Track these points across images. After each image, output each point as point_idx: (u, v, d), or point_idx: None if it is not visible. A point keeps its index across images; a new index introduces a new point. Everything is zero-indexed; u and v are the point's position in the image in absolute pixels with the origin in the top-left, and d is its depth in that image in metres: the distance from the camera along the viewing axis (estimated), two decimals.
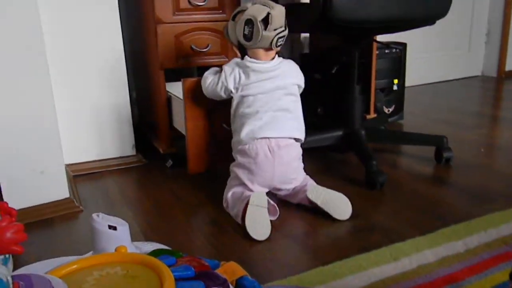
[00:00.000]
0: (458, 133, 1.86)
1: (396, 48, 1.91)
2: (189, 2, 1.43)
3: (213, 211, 1.23)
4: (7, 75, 1.13)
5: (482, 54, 3.15)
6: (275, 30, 1.14)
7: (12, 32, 1.11)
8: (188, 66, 1.56)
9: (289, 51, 2.17)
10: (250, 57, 1.19)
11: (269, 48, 1.18)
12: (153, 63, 1.51)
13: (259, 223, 1.07)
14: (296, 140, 1.21)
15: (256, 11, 1.13)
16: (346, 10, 1.22)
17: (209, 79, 1.24)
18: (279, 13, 1.14)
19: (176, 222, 1.17)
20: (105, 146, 1.60)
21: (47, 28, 1.32)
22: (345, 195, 1.29)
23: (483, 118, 2.13)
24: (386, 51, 1.92)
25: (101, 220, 0.69)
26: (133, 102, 1.79)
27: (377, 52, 1.86)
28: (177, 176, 1.48)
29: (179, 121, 1.48)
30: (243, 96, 1.19)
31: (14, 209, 0.54)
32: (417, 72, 2.79)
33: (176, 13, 1.44)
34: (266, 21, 1.13)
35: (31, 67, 1.16)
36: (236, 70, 1.20)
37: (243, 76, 1.19)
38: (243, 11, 1.16)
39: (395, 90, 1.99)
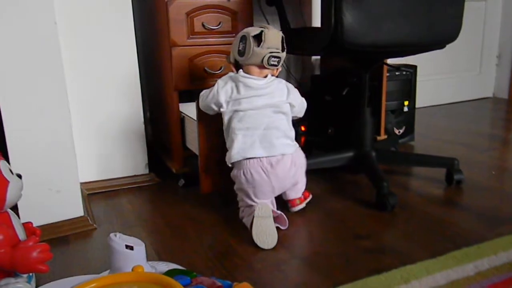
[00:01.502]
0: (469, 155, 1.86)
1: (406, 71, 1.94)
2: (203, 26, 1.48)
3: (225, 231, 1.24)
4: (24, 95, 1.17)
5: (493, 76, 3.15)
6: (268, 48, 1.20)
7: (31, 54, 1.16)
8: (201, 88, 1.60)
9: (300, 72, 2.21)
10: (245, 72, 1.24)
11: (261, 66, 1.22)
12: (168, 84, 1.55)
13: (265, 232, 1.13)
14: None
15: (251, 29, 1.22)
16: (356, 35, 1.24)
17: (204, 93, 1.29)
18: (273, 34, 1.21)
19: (188, 242, 1.19)
20: (119, 165, 1.63)
21: (63, 48, 1.37)
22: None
23: (494, 140, 2.13)
24: (397, 73, 1.95)
25: (119, 239, 0.71)
26: (147, 122, 1.83)
27: (387, 74, 1.88)
28: (189, 196, 1.50)
29: (192, 141, 1.50)
30: (234, 111, 1.23)
31: (39, 229, 0.57)
32: (428, 94, 2.80)
33: (191, 36, 1.48)
34: (259, 38, 1.20)
35: (49, 87, 1.19)
36: (229, 83, 1.24)
37: (235, 90, 1.23)
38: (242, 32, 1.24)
39: (406, 111, 2.01)
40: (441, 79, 2.93)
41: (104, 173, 1.62)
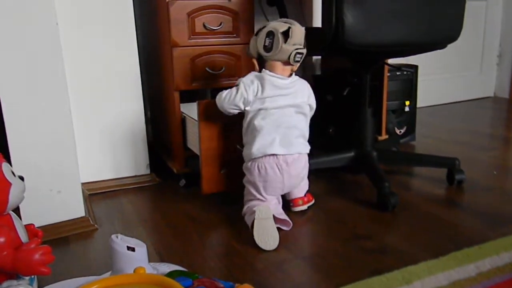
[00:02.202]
0: (471, 154, 1.86)
1: (407, 71, 1.93)
2: (204, 26, 1.47)
3: (226, 231, 1.24)
4: (25, 96, 1.17)
5: (494, 76, 3.15)
6: (294, 45, 1.20)
7: (33, 54, 1.16)
8: (202, 88, 1.60)
9: (301, 72, 2.20)
10: (268, 70, 1.24)
11: (287, 62, 1.23)
12: (169, 84, 1.55)
13: (266, 234, 1.13)
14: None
15: (278, 25, 1.21)
16: (357, 35, 1.24)
17: (225, 93, 1.27)
18: (299, 30, 1.21)
19: (190, 243, 1.19)
20: (120, 165, 1.63)
21: (64, 48, 1.36)
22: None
23: (495, 140, 2.13)
24: (398, 73, 1.95)
25: (120, 241, 0.71)
26: (147, 122, 1.83)
27: (388, 74, 1.88)
28: (191, 196, 1.50)
29: (193, 142, 1.50)
30: (258, 109, 1.22)
31: (41, 231, 0.57)
32: (428, 93, 2.80)
33: (192, 36, 1.48)
34: (286, 34, 1.20)
35: (50, 88, 1.19)
36: (255, 82, 1.23)
37: (260, 89, 1.23)
38: (265, 27, 1.23)
39: (407, 111, 2.00)
40: (442, 78, 2.93)
41: (105, 174, 1.62)
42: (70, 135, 1.25)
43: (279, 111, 1.22)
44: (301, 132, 1.26)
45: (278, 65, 1.23)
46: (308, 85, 1.31)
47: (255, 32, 1.26)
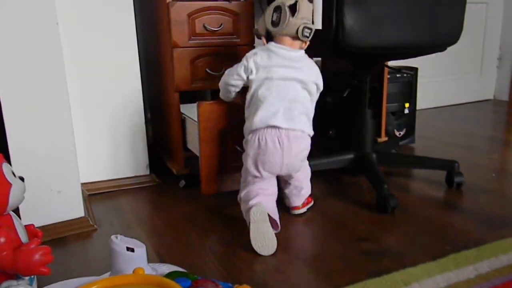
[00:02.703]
0: (470, 157, 1.86)
1: (407, 73, 1.94)
2: (205, 27, 1.48)
3: (226, 232, 1.25)
4: (25, 95, 1.17)
5: (494, 78, 3.16)
6: (302, 19, 1.19)
7: (33, 54, 1.16)
8: (202, 89, 1.60)
9: None
10: (275, 42, 1.23)
11: (295, 37, 1.21)
12: (169, 85, 1.56)
13: (263, 239, 1.11)
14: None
15: (285, 0, 1.20)
16: (358, 37, 1.25)
17: (230, 68, 1.27)
18: (306, 5, 1.20)
19: (189, 243, 1.19)
20: (120, 165, 1.63)
21: (65, 48, 1.37)
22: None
23: (494, 143, 2.13)
24: (398, 75, 1.95)
25: (120, 241, 0.71)
26: (147, 122, 1.83)
27: (388, 76, 1.89)
28: (190, 197, 1.50)
29: (193, 143, 1.51)
30: (264, 79, 1.20)
31: (40, 231, 0.57)
32: (428, 95, 2.80)
33: (192, 37, 1.48)
34: (294, 8, 1.18)
35: (50, 89, 1.20)
36: (259, 53, 1.22)
37: (265, 57, 1.21)
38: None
39: (406, 113, 2.01)
40: (442, 81, 2.93)
41: (105, 174, 1.62)
42: (70, 135, 1.25)
43: (285, 83, 1.19)
44: (305, 109, 1.23)
45: (287, 39, 1.22)
46: (317, 66, 1.28)
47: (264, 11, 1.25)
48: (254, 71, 1.21)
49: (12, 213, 0.69)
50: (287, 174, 1.25)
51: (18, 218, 0.68)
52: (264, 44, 1.26)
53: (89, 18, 1.48)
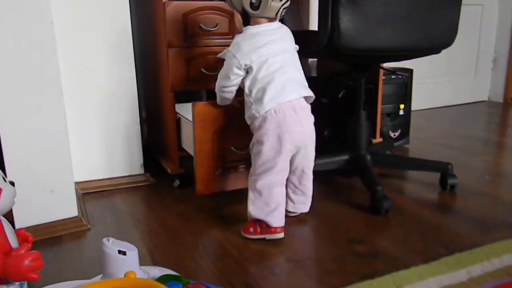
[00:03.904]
0: (464, 159, 1.87)
1: (402, 75, 1.94)
2: (200, 27, 1.47)
3: (220, 233, 1.25)
4: (19, 94, 1.16)
5: (489, 80, 3.17)
6: (281, 1, 1.18)
7: (28, 53, 1.15)
8: (198, 89, 1.60)
9: None
10: (252, 25, 1.21)
11: (273, 18, 1.21)
12: (164, 85, 1.55)
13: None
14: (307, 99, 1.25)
15: None
16: (353, 39, 1.25)
17: (223, 69, 1.24)
18: None
19: (183, 244, 1.19)
20: (114, 164, 1.63)
21: (59, 47, 1.36)
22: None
23: (488, 145, 2.14)
24: (393, 76, 1.95)
25: (111, 244, 0.71)
26: (142, 121, 1.83)
27: (383, 77, 1.89)
28: (184, 197, 1.50)
29: (188, 142, 1.50)
30: (261, 62, 1.18)
31: (31, 235, 0.57)
32: (423, 97, 2.81)
33: (188, 37, 1.47)
34: None
35: (45, 86, 1.19)
36: (241, 43, 1.19)
37: (249, 43, 1.19)
38: None
39: (401, 115, 2.01)
40: (437, 82, 2.94)
41: (99, 173, 1.61)
42: (64, 134, 1.25)
43: (278, 57, 1.19)
44: (301, 74, 1.25)
45: (263, 20, 1.21)
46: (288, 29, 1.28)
47: None
48: (248, 62, 1.19)
49: (2, 218, 0.68)
50: (305, 145, 1.25)
51: (8, 223, 0.67)
52: (239, 19, 1.25)
53: (83, 17, 1.47)
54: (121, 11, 1.52)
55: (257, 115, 1.18)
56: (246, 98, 1.23)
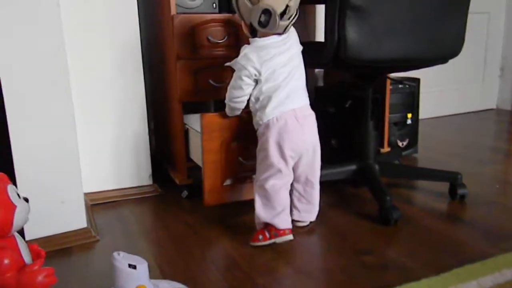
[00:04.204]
0: (473, 168, 1.86)
1: (409, 85, 1.94)
2: (208, 40, 1.48)
3: (228, 244, 1.24)
4: (30, 106, 1.18)
5: (497, 88, 3.16)
6: (289, 18, 1.19)
7: (39, 65, 1.17)
8: (205, 100, 1.61)
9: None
10: (259, 38, 1.22)
11: (281, 33, 1.22)
12: (172, 96, 1.56)
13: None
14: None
15: (275, 2, 1.15)
16: (360, 50, 1.25)
17: (234, 81, 1.25)
18: (296, 3, 1.19)
19: (191, 256, 1.19)
20: (123, 175, 1.64)
21: (69, 58, 1.37)
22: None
23: (497, 153, 2.13)
24: (400, 86, 1.95)
25: (122, 258, 0.71)
26: (150, 131, 1.84)
27: (390, 87, 1.89)
28: (193, 208, 1.50)
29: (196, 153, 1.51)
30: (269, 74, 1.20)
31: (43, 250, 0.57)
32: (431, 105, 2.80)
33: (196, 49, 1.49)
34: (283, 13, 1.17)
35: (55, 98, 1.20)
36: (250, 54, 1.20)
37: (258, 55, 1.20)
38: None
39: (409, 124, 2.01)
40: (444, 90, 2.93)
41: (108, 184, 1.62)
42: (75, 147, 1.26)
43: (285, 68, 1.21)
44: (303, 82, 1.27)
45: (271, 33, 1.21)
46: (295, 32, 1.29)
47: None
48: (257, 73, 1.20)
49: (16, 234, 0.69)
50: (308, 152, 1.26)
51: (22, 239, 0.68)
52: (244, 28, 1.26)
53: (93, 29, 1.49)
54: (130, 24, 1.53)
55: (261, 122, 1.22)
56: (251, 105, 1.26)
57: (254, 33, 1.24)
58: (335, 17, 1.22)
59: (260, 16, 1.16)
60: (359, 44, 1.24)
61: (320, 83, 2.22)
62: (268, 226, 1.22)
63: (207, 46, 1.49)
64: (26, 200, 0.73)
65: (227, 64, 1.31)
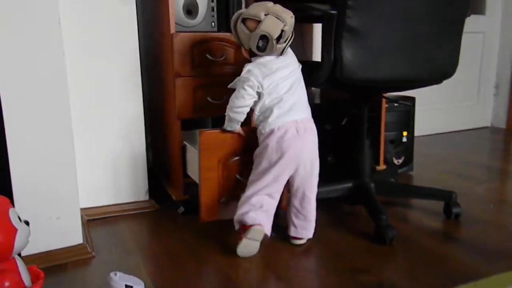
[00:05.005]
0: (468, 186, 1.87)
1: (405, 104, 1.96)
2: (207, 57, 1.50)
3: (224, 262, 1.25)
4: (28, 122, 1.18)
5: (491, 106, 3.19)
6: (285, 41, 1.25)
7: (38, 80, 1.18)
8: (203, 117, 1.62)
9: None
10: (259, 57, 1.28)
11: (279, 55, 1.28)
12: (171, 113, 1.57)
13: (248, 253, 1.25)
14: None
15: (271, 28, 1.22)
16: (355, 71, 1.27)
17: (236, 92, 1.30)
18: (290, 27, 1.24)
19: (187, 273, 1.19)
20: (119, 190, 1.64)
21: (69, 73, 1.39)
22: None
23: (492, 172, 2.14)
24: (395, 104, 1.98)
25: (118, 279, 0.72)
26: (148, 146, 1.85)
27: (386, 105, 1.91)
28: (189, 224, 1.51)
29: (193, 170, 1.52)
30: (271, 88, 1.25)
31: (42, 272, 0.58)
32: (426, 123, 2.83)
33: (195, 67, 1.50)
34: (279, 37, 1.23)
35: (53, 115, 1.21)
36: (252, 69, 1.26)
37: (260, 71, 1.26)
38: (257, 21, 1.23)
39: (405, 142, 2.03)
40: (439, 108, 2.96)
41: (104, 199, 1.62)
42: (72, 162, 1.26)
43: (287, 81, 1.26)
44: (305, 95, 1.32)
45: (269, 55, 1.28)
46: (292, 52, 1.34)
47: (241, 15, 1.26)
48: (261, 86, 1.26)
49: (16, 257, 0.69)
50: (305, 164, 1.29)
51: (22, 261, 0.68)
52: (245, 55, 1.32)
53: (93, 45, 1.51)
54: (130, 42, 1.55)
55: (263, 131, 1.27)
56: (256, 118, 1.31)
57: (253, 55, 1.29)
58: (332, 38, 1.25)
59: (258, 42, 1.23)
60: (355, 65, 1.26)
61: (317, 101, 2.24)
62: (241, 226, 1.28)
63: (206, 64, 1.51)
64: (27, 223, 0.74)
65: (230, 85, 1.35)
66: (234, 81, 1.33)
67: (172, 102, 1.53)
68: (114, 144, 1.60)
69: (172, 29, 1.47)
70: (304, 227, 1.34)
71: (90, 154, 1.57)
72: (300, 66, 1.33)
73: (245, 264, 1.19)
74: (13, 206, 0.79)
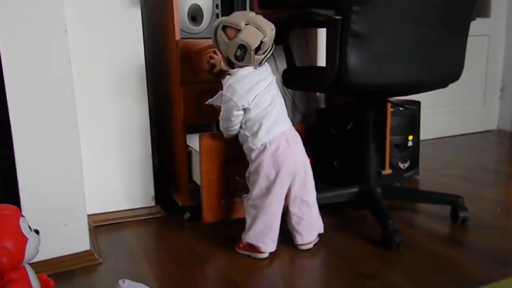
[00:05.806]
0: (474, 190, 1.86)
1: (410, 108, 1.96)
2: (211, 64, 1.51)
3: (229, 267, 1.24)
4: (35, 130, 1.19)
5: (497, 109, 3.18)
6: (264, 53, 1.26)
7: (45, 88, 1.19)
8: (208, 122, 1.63)
9: (306, 105, 2.23)
10: (238, 68, 1.28)
11: (256, 67, 1.29)
12: (176, 119, 1.58)
13: None
14: None
15: (251, 38, 1.22)
16: (360, 76, 1.27)
17: (224, 112, 1.32)
18: (270, 39, 1.25)
19: (193, 278, 1.19)
20: (125, 197, 1.64)
21: (75, 81, 1.40)
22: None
23: (499, 175, 2.13)
24: (401, 108, 1.97)
25: (127, 286, 0.72)
26: (154, 153, 1.85)
27: (391, 110, 1.91)
28: (195, 230, 1.51)
29: (197, 174, 1.52)
30: (255, 102, 1.26)
31: (52, 280, 0.58)
32: (432, 126, 2.82)
33: (199, 73, 1.51)
34: (258, 48, 1.24)
35: (60, 123, 1.22)
36: (233, 85, 1.27)
37: (242, 85, 1.26)
38: (236, 29, 1.23)
39: (410, 146, 2.02)
40: (445, 111, 2.95)
41: (111, 205, 1.63)
42: (79, 169, 1.27)
43: (267, 93, 1.27)
44: (285, 108, 1.34)
45: (247, 66, 1.28)
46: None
47: (222, 23, 1.26)
48: (245, 103, 1.26)
49: (27, 266, 0.70)
50: (300, 173, 1.30)
51: (32, 270, 0.69)
52: (224, 63, 1.34)
53: (98, 54, 1.52)
54: (135, 48, 1.56)
55: (254, 147, 1.26)
56: (242, 132, 1.30)
57: (232, 66, 1.31)
58: (337, 43, 1.25)
59: (236, 51, 1.24)
60: (360, 70, 1.26)
61: (322, 105, 2.24)
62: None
63: (210, 70, 1.52)
64: (37, 232, 0.74)
65: (208, 102, 1.37)
66: (216, 96, 1.34)
67: (177, 108, 1.54)
68: (120, 150, 1.60)
69: (177, 36, 1.48)
70: (309, 231, 1.34)
71: (97, 161, 1.58)
72: (275, 78, 1.34)
73: (252, 270, 1.19)
74: (22, 215, 0.79)
